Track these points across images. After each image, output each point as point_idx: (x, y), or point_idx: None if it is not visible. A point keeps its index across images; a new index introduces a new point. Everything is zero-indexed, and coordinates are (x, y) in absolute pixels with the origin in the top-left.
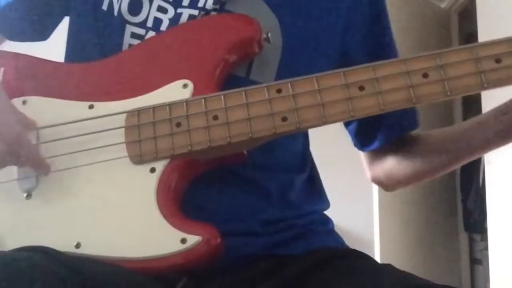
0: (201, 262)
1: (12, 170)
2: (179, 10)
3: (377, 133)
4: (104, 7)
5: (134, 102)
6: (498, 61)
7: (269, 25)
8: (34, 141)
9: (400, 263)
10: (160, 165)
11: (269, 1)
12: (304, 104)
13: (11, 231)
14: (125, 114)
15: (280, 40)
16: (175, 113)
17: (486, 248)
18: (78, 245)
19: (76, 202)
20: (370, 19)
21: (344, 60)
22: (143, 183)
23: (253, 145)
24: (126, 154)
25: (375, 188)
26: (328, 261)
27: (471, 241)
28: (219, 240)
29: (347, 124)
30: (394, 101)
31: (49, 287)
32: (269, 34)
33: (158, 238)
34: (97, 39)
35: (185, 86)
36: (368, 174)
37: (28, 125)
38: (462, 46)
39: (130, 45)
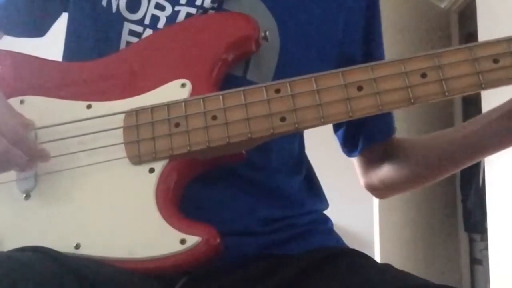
0: (201, 262)
1: (11, 171)
2: (176, 8)
3: (358, 139)
4: (103, 3)
5: (132, 102)
6: (496, 61)
7: (267, 25)
8: None
9: (400, 263)
10: (159, 166)
11: (266, 0)
12: (302, 104)
13: (10, 231)
14: (123, 114)
15: (278, 39)
16: (174, 113)
17: (486, 248)
18: (77, 246)
19: (75, 203)
20: (367, 20)
21: (342, 60)
22: (142, 184)
23: (252, 145)
24: (125, 154)
25: None
26: (328, 261)
27: (471, 241)
28: (218, 240)
29: (335, 130)
30: (393, 101)
31: (49, 287)
32: (267, 33)
33: (158, 238)
34: (95, 35)
35: (183, 85)
36: (361, 181)
37: (26, 125)
38: (460, 46)
39: (128, 43)
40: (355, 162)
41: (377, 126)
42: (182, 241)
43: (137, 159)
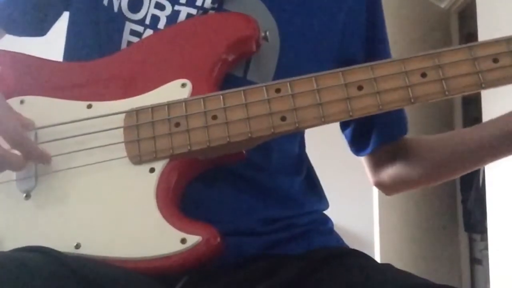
0: (201, 262)
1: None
2: (176, 8)
3: (369, 139)
4: (105, 2)
5: (133, 102)
6: (495, 61)
7: (267, 25)
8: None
9: (400, 263)
10: (159, 165)
11: (266, 1)
12: (303, 103)
13: (10, 231)
14: (123, 114)
15: (278, 40)
16: (174, 113)
17: (486, 248)
18: (77, 246)
19: (75, 203)
20: (367, 21)
21: (342, 60)
22: (142, 183)
23: (252, 145)
24: (125, 154)
25: (375, 188)
26: (328, 261)
27: (471, 241)
28: (219, 240)
29: (343, 129)
30: (393, 100)
31: (49, 287)
32: (267, 33)
33: (158, 238)
34: (96, 35)
35: (183, 85)
36: (371, 179)
37: (26, 125)
38: (460, 46)
39: (129, 42)
40: (363, 160)
41: (390, 125)
42: (183, 241)
43: (137, 159)
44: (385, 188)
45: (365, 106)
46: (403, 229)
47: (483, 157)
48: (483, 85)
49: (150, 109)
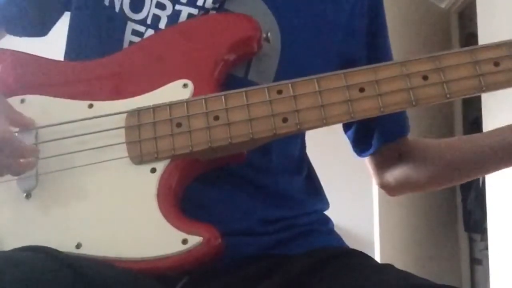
0: (202, 262)
1: None
2: (177, 7)
3: (371, 139)
4: (106, 2)
5: (134, 102)
6: (496, 64)
7: (268, 25)
8: (32, 141)
9: (400, 263)
10: (160, 166)
11: (268, 1)
12: (304, 105)
13: (11, 231)
14: (125, 114)
15: (279, 40)
16: (176, 114)
17: (486, 248)
18: (78, 246)
19: (76, 202)
20: (369, 22)
21: (343, 61)
22: (143, 184)
23: (253, 146)
24: (127, 154)
25: (375, 188)
26: (328, 261)
27: (471, 241)
28: (219, 240)
29: (346, 130)
30: (394, 103)
31: (50, 287)
32: (269, 34)
33: (159, 238)
34: (98, 35)
35: (185, 86)
36: (375, 180)
37: (27, 124)
38: (461, 49)
39: (131, 42)
40: (367, 161)
41: (390, 126)
42: (184, 241)
43: (138, 159)
44: (390, 189)
45: (366, 108)
46: (403, 229)
47: (496, 164)
48: (484, 89)
49: (151, 109)
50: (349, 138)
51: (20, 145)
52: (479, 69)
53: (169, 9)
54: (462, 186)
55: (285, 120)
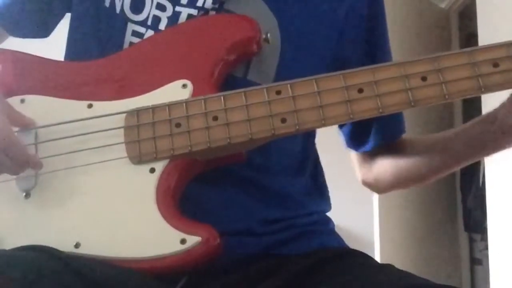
0: (200, 262)
1: None
2: (177, 8)
3: (367, 137)
4: (106, 3)
5: (133, 102)
6: (496, 65)
7: (268, 25)
8: (31, 141)
9: (400, 263)
10: (159, 166)
11: (268, 1)
12: (303, 106)
13: (10, 230)
14: (124, 114)
15: (279, 40)
16: (175, 114)
17: (486, 248)
18: (77, 245)
19: (75, 202)
20: (368, 23)
21: (342, 62)
22: (142, 184)
23: (252, 146)
24: (126, 154)
25: None
26: (328, 261)
27: (471, 241)
28: (218, 240)
29: (341, 126)
30: (393, 104)
31: (49, 286)
32: (269, 35)
33: (158, 238)
34: (98, 36)
35: (184, 86)
36: (358, 176)
37: (27, 124)
38: (460, 50)
39: (131, 43)
40: (353, 157)
41: (391, 126)
42: (182, 241)
43: (137, 159)
44: (371, 185)
45: (365, 109)
46: (403, 229)
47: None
48: (483, 89)
49: (151, 109)
50: (343, 134)
51: (20, 151)
52: (478, 70)
53: (169, 11)
54: (462, 186)
55: (284, 120)
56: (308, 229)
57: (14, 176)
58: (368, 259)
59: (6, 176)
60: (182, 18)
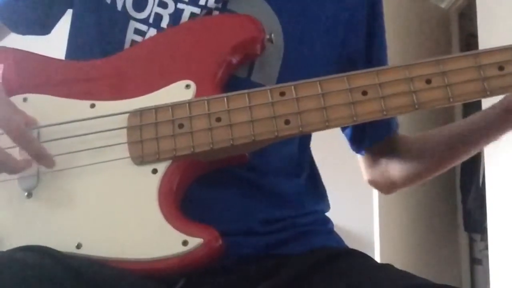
0: (202, 264)
1: None
2: (179, 6)
3: (364, 137)
4: (108, 0)
5: (136, 102)
6: (501, 68)
7: (271, 26)
8: None
9: (400, 263)
10: (162, 166)
11: (271, 1)
12: (307, 107)
13: (11, 230)
14: (127, 114)
15: (282, 41)
16: (178, 114)
17: (486, 248)
18: (78, 246)
19: (77, 202)
20: (369, 23)
21: (344, 63)
22: (144, 184)
23: (255, 148)
24: (128, 154)
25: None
26: (328, 261)
27: (471, 241)
28: (220, 242)
29: (343, 128)
30: (397, 106)
31: (48, 286)
32: (272, 35)
33: (160, 240)
34: (99, 33)
35: (187, 86)
36: (365, 177)
37: (29, 123)
38: (465, 53)
39: (133, 41)
40: (360, 159)
41: (380, 123)
42: (184, 243)
43: (140, 160)
44: (379, 186)
45: (369, 111)
46: (403, 229)
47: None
48: (488, 93)
49: (154, 109)
50: (346, 136)
51: (36, 144)
52: (483, 73)
53: (171, 8)
54: (462, 186)
55: (287, 122)
56: (307, 229)
57: (17, 176)
58: (368, 259)
59: (8, 175)
60: (185, 15)
